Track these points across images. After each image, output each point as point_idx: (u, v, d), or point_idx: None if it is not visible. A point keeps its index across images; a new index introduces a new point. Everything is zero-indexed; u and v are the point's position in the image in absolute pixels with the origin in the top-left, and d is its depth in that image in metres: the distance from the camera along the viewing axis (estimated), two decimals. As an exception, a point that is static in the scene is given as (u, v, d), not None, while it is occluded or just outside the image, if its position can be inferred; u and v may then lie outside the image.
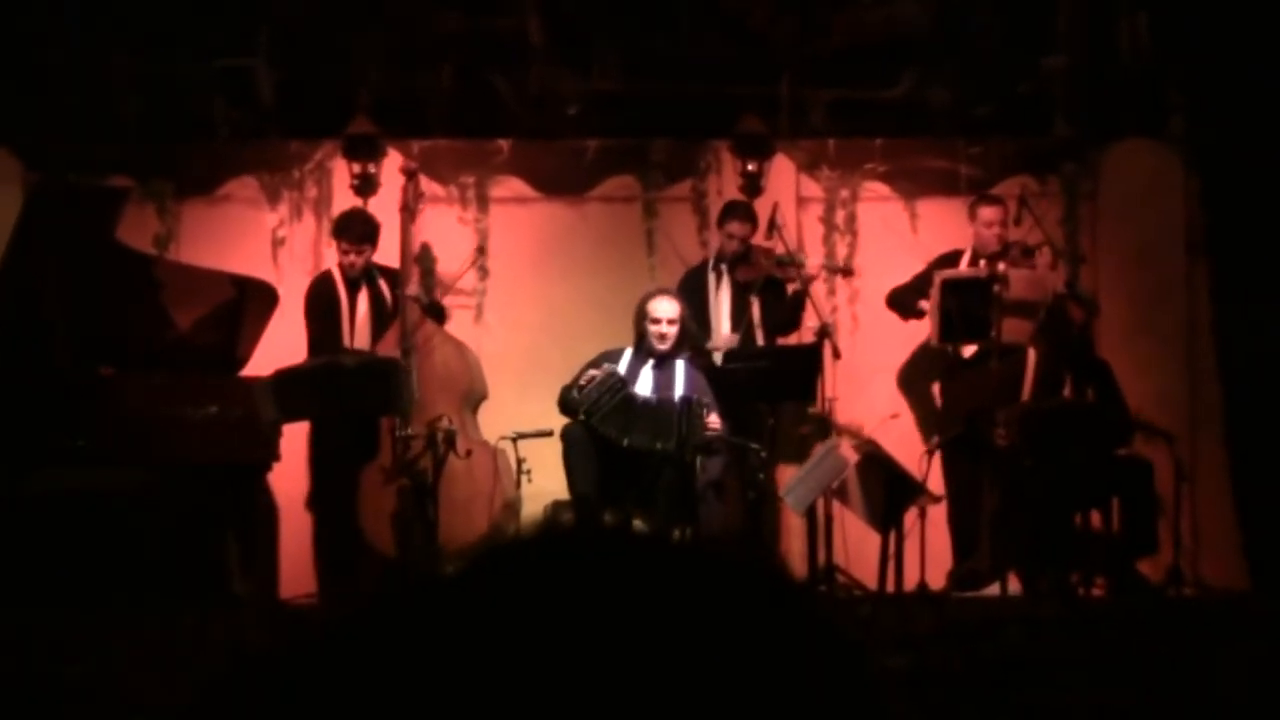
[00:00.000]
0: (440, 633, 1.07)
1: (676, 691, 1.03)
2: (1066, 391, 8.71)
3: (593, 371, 8.54)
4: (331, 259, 9.19)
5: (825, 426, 9.05)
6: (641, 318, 8.72)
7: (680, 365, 8.74)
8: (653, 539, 1.14)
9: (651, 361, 8.72)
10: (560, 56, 9.79)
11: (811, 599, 1.13)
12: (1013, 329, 8.78)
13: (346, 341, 8.85)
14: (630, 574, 1.09)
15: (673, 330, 8.67)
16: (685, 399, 8.47)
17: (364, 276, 8.94)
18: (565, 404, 8.59)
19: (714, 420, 8.49)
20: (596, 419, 8.41)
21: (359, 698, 1.07)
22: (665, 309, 8.70)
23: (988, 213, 9.27)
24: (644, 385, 8.65)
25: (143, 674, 5.96)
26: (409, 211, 8.99)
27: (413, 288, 8.95)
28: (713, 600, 1.08)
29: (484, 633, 1.06)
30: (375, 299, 8.93)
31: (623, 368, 8.67)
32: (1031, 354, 8.87)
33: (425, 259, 9.41)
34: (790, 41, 9.84)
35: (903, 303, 9.20)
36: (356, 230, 8.91)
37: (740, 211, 9.22)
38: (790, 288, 9.13)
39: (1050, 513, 8.58)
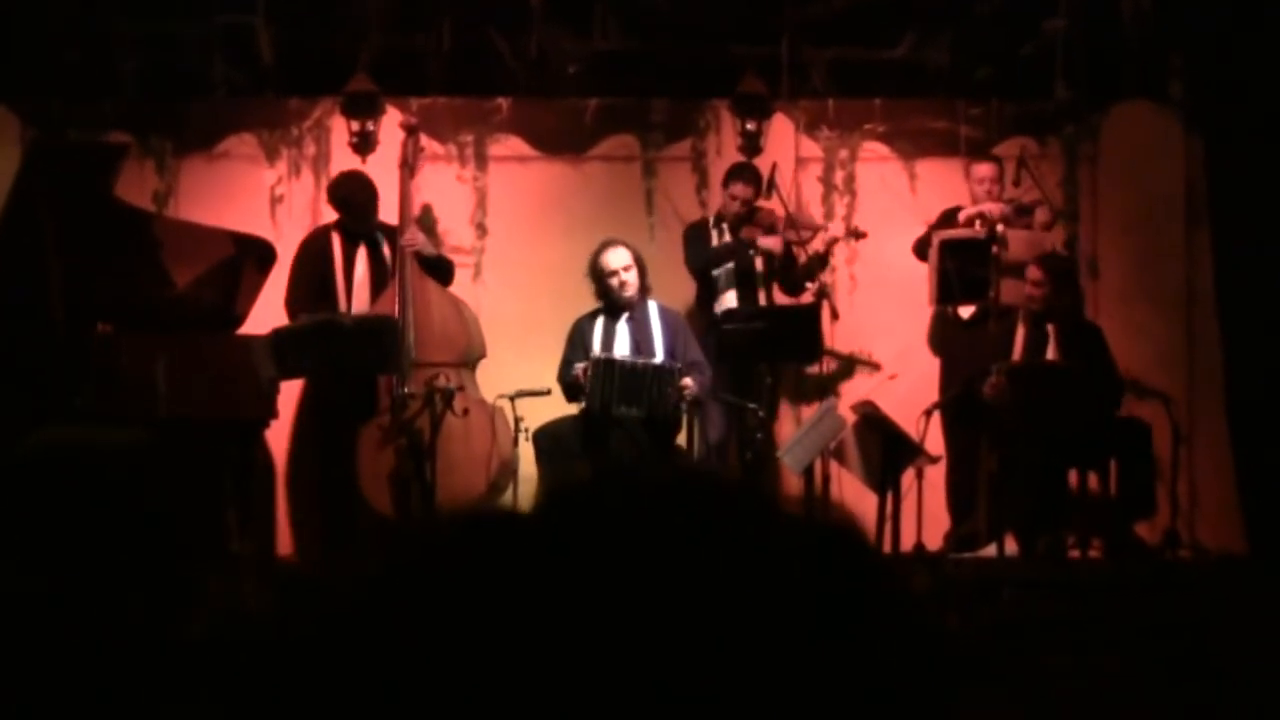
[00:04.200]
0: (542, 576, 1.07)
1: (759, 635, 1.04)
2: (1050, 353, 8.69)
3: (579, 368, 8.49)
4: (330, 215, 9.17)
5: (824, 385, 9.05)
6: (599, 275, 8.68)
7: (653, 311, 8.72)
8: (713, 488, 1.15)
9: (625, 316, 8.70)
10: (560, 15, 9.75)
11: (875, 551, 1.14)
12: (1010, 290, 8.78)
13: (343, 299, 8.81)
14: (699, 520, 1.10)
15: (631, 275, 8.65)
16: (659, 366, 8.44)
17: (365, 235, 8.91)
18: (570, 394, 8.60)
19: (688, 382, 8.45)
20: (608, 405, 8.38)
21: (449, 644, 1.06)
22: (618, 258, 8.66)
23: (981, 169, 9.29)
24: (621, 343, 8.63)
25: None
26: (408, 168, 8.98)
27: (420, 238, 8.90)
28: (786, 548, 1.09)
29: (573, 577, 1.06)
30: (375, 257, 8.90)
31: (597, 331, 8.66)
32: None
33: (426, 218, 9.39)
34: (791, 1, 9.80)
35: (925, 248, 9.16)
36: (359, 203, 8.84)
37: (745, 174, 9.21)
38: (805, 251, 9.05)
39: (1047, 475, 8.58)
